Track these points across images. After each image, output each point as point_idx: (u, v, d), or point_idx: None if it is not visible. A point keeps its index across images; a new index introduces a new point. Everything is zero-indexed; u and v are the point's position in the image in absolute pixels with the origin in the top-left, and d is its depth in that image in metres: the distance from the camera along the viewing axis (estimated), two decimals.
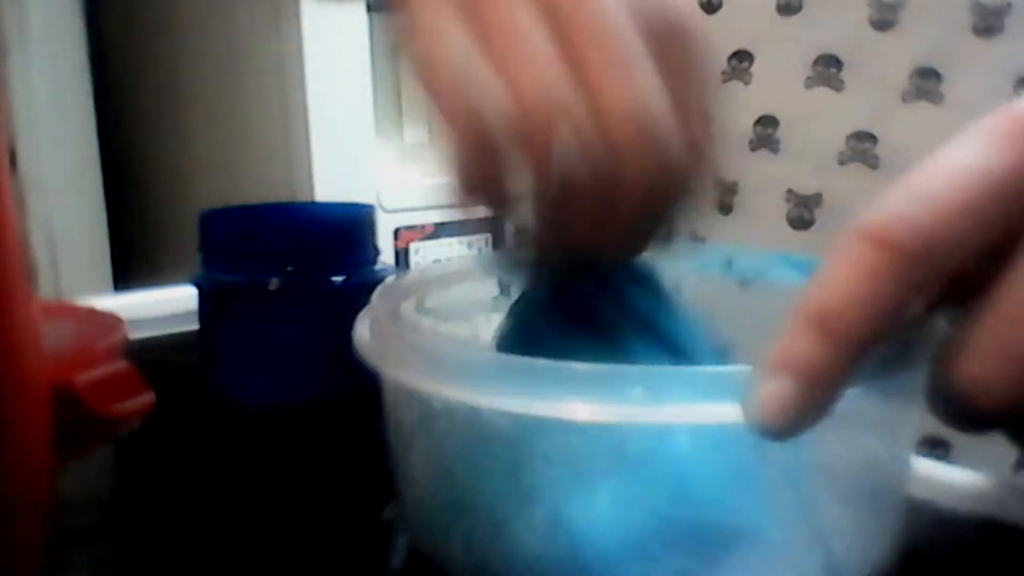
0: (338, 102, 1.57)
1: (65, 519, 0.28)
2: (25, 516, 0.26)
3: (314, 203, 1.23)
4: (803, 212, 0.55)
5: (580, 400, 0.27)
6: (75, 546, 0.36)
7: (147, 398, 0.32)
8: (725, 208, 0.60)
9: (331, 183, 1.54)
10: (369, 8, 1.61)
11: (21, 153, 1.60)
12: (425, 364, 0.30)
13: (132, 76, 1.92)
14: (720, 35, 0.60)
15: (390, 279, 0.38)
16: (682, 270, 0.41)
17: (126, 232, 1.86)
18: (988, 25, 0.52)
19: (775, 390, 0.24)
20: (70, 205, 1.70)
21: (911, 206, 0.24)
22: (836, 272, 0.24)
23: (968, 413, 0.25)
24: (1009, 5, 0.52)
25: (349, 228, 0.53)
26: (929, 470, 0.38)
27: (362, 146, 1.60)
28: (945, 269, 0.24)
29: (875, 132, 0.54)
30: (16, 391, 0.25)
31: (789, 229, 0.56)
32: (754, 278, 0.40)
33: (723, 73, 0.59)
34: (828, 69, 0.55)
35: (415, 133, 1.82)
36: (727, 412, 0.26)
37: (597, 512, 0.29)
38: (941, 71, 0.53)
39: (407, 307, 0.38)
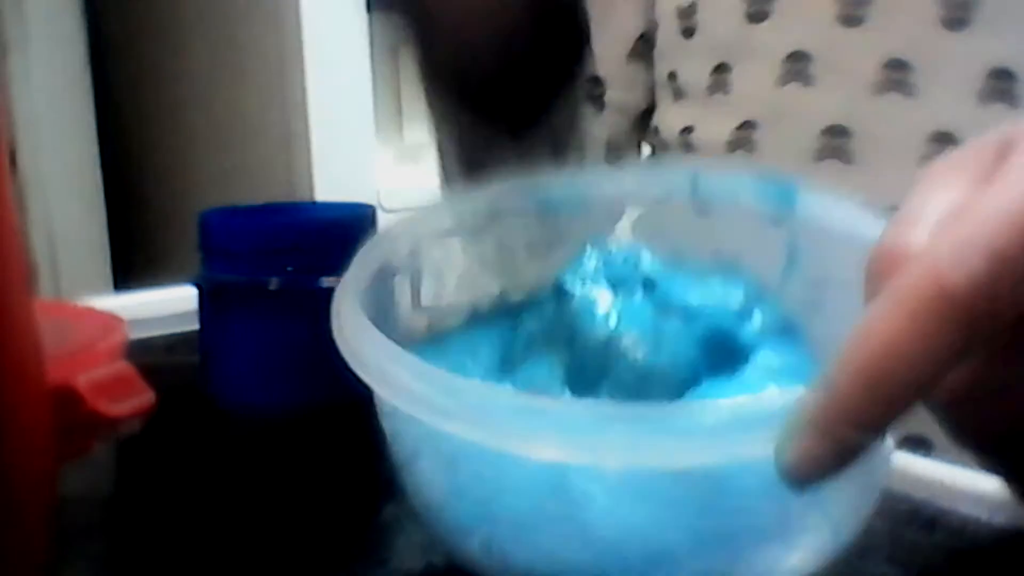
0: (338, 102, 1.57)
1: (65, 519, 0.28)
2: (25, 516, 0.26)
3: (314, 203, 1.23)
4: None
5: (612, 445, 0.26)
6: (75, 546, 0.36)
7: (147, 398, 0.32)
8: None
9: (331, 183, 1.54)
10: (369, 8, 1.61)
11: (21, 153, 1.60)
12: (433, 400, 0.28)
13: (132, 76, 1.92)
14: (699, 51, 0.60)
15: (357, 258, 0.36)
16: (646, 194, 0.39)
17: (126, 232, 1.86)
18: (957, 17, 0.52)
19: (813, 449, 0.23)
20: (70, 205, 1.70)
21: (974, 258, 0.22)
22: (893, 323, 0.23)
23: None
24: None
25: (349, 228, 0.53)
26: (933, 473, 0.38)
27: (362, 146, 1.60)
28: (1005, 327, 0.23)
29: (848, 126, 0.54)
30: (16, 391, 0.25)
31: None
32: (722, 202, 0.38)
33: (707, 88, 0.60)
34: (797, 64, 0.56)
35: (415, 133, 1.82)
36: (735, 452, 0.25)
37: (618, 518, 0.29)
38: (912, 63, 0.53)
39: (400, 293, 0.37)
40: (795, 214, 0.36)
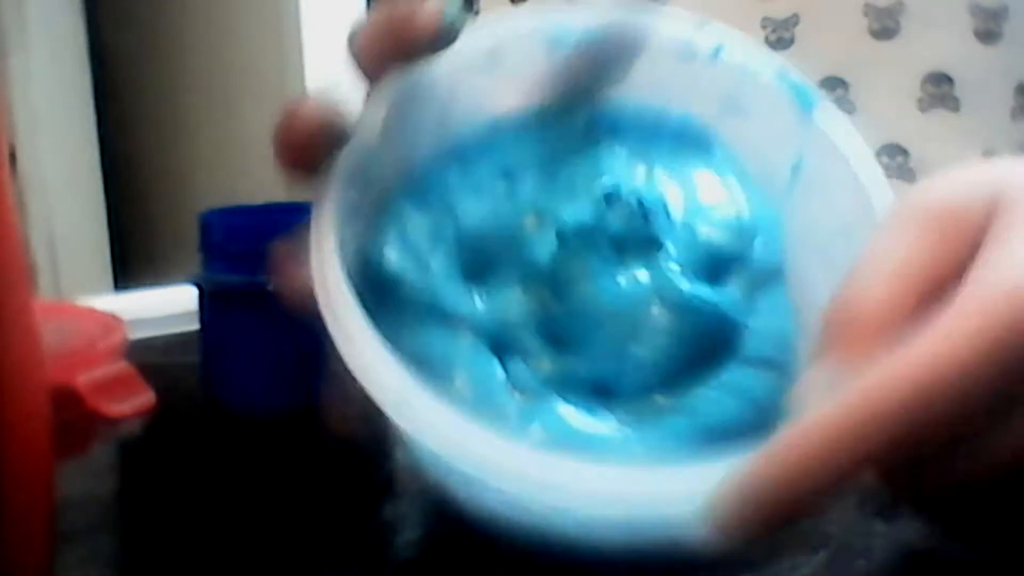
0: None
1: (65, 519, 0.28)
2: (25, 516, 0.26)
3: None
4: None
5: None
6: (75, 546, 0.36)
7: (147, 398, 0.32)
8: None
9: None
10: (369, 8, 1.61)
11: (21, 153, 1.60)
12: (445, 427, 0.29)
13: (132, 76, 1.92)
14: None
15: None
16: (665, 45, 0.37)
17: (126, 232, 1.85)
18: (885, 27, 0.52)
19: (737, 515, 0.26)
20: (70, 205, 1.70)
21: (879, 432, 0.25)
22: (805, 453, 0.25)
23: None
24: (901, 4, 0.52)
25: None
26: None
27: None
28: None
29: None
30: (16, 391, 0.25)
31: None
32: (739, 75, 0.37)
33: None
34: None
35: None
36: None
37: None
38: (847, 79, 0.53)
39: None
40: (811, 122, 0.35)
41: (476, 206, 0.34)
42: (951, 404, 0.25)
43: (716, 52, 0.36)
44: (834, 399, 0.25)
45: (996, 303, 0.25)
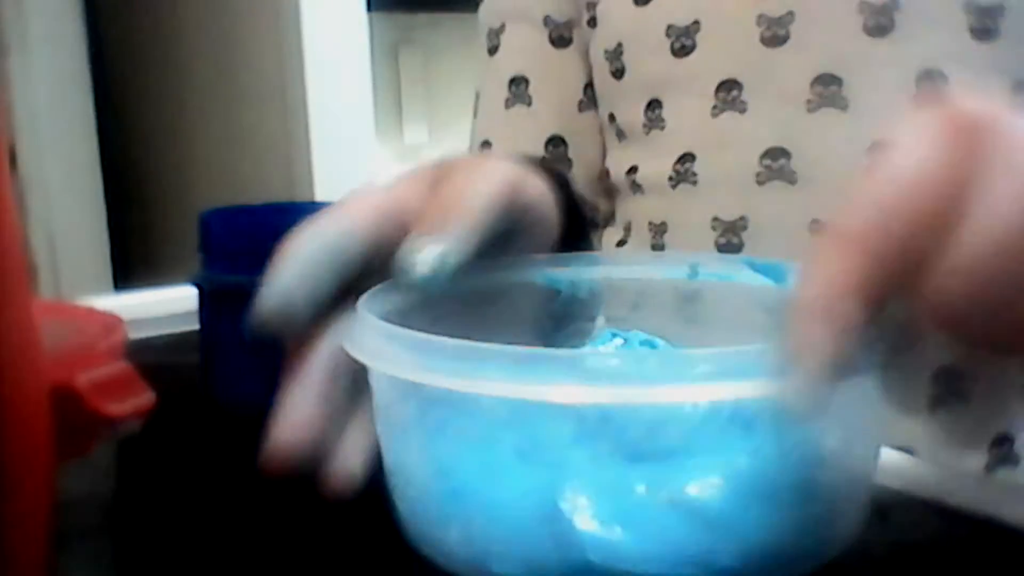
0: (338, 102, 1.57)
1: (65, 519, 0.28)
2: (25, 516, 0.26)
3: (314, 203, 1.23)
4: (731, 237, 0.55)
5: (573, 383, 0.27)
6: (76, 546, 0.36)
7: (147, 398, 0.32)
8: (657, 248, 0.60)
9: (331, 183, 1.54)
10: (369, 8, 1.62)
11: (21, 153, 1.60)
12: (420, 357, 0.30)
13: (132, 76, 1.92)
14: (630, 90, 0.60)
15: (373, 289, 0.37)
16: (647, 279, 0.41)
17: (126, 232, 1.86)
18: (880, 24, 0.52)
19: (806, 376, 0.27)
20: (70, 205, 1.70)
21: (881, 216, 0.28)
22: (828, 269, 0.28)
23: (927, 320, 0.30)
24: (896, 1, 0.52)
25: None
26: (903, 464, 0.38)
27: (362, 146, 1.60)
28: (912, 254, 0.29)
29: (787, 147, 0.54)
30: (16, 391, 0.25)
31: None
32: (719, 281, 0.40)
33: (643, 126, 0.60)
34: (730, 94, 0.55)
35: (415, 133, 1.82)
36: (722, 391, 0.28)
37: (593, 501, 0.29)
38: (841, 75, 0.53)
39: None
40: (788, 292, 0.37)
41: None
42: (923, 184, 0.28)
43: (694, 271, 0.41)
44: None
45: (945, 112, 0.30)
